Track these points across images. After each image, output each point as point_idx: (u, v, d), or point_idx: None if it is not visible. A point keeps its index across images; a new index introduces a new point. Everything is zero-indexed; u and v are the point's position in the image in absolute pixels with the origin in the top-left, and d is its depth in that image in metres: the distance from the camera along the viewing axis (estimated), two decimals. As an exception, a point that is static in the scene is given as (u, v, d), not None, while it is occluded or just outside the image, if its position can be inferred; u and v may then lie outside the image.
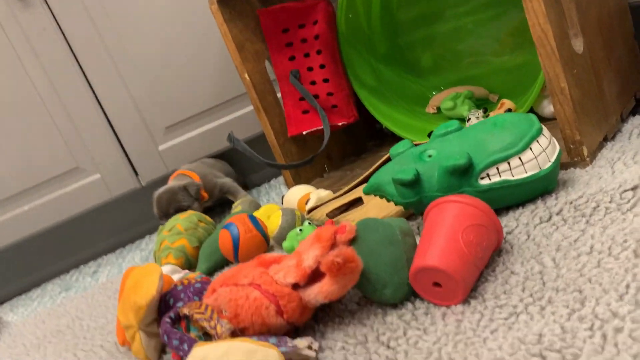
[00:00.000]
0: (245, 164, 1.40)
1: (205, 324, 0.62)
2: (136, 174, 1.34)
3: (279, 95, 1.16)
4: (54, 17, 1.23)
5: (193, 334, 0.66)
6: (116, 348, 0.84)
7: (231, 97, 1.31)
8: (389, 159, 0.82)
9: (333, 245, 0.62)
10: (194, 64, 1.28)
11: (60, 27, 1.24)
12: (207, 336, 0.65)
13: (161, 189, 1.16)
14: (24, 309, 1.28)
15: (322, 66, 1.09)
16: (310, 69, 1.11)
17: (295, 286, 0.62)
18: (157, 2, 1.24)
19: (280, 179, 1.42)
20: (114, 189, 1.33)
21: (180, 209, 1.13)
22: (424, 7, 1.13)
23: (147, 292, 0.71)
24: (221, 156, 1.36)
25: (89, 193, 1.32)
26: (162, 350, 0.75)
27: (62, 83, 1.26)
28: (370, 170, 0.84)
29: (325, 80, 1.10)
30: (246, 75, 1.09)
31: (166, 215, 1.13)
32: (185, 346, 0.62)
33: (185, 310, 0.65)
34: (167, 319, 0.67)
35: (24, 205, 1.32)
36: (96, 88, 1.27)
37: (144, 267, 0.76)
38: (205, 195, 1.19)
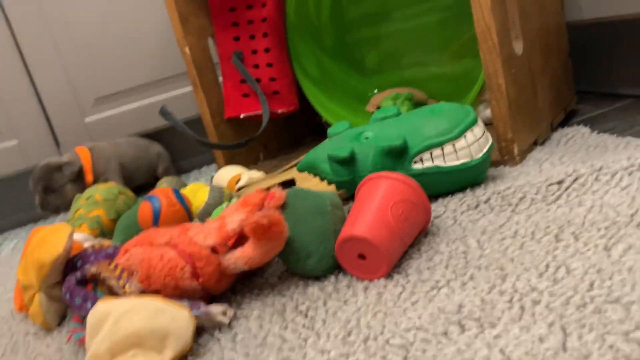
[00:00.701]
0: (177, 148, 1.35)
1: (113, 283, 0.57)
2: (58, 144, 1.26)
3: (220, 78, 1.13)
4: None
5: (97, 295, 0.61)
6: (11, 315, 0.77)
7: (169, 75, 1.26)
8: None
9: (260, 211, 0.59)
10: (134, 35, 1.23)
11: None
12: (112, 298, 0.60)
13: (44, 161, 1.12)
14: None
15: (267, 50, 1.07)
16: (254, 51, 1.09)
17: (216, 252, 0.58)
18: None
19: (213, 166, 1.38)
20: (32, 158, 1.25)
21: (49, 189, 1.12)
22: (373, 5, 1.14)
23: (54, 249, 0.65)
24: (151, 136, 1.30)
25: (4, 158, 1.23)
26: (62, 317, 0.69)
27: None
28: (305, 154, 0.82)
29: (269, 65, 1.08)
30: (187, 50, 1.05)
31: (35, 191, 1.11)
32: (89, 305, 0.57)
33: (93, 269, 0.60)
34: (72, 278, 0.62)
35: None
36: (24, 49, 1.20)
37: (53, 225, 0.70)
38: (90, 178, 1.15)
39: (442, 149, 0.67)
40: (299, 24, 1.09)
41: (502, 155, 0.76)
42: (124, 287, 0.57)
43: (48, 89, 1.22)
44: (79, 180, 1.14)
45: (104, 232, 0.92)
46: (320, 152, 0.72)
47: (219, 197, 0.88)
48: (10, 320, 0.75)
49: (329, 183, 0.73)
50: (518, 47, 0.77)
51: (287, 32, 1.09)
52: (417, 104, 1.11)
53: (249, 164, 1.15)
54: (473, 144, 0.68)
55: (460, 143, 0.67)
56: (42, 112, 1.23)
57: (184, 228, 0.61)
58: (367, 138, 0.71)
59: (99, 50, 1.22)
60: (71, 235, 0.68)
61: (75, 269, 0.69)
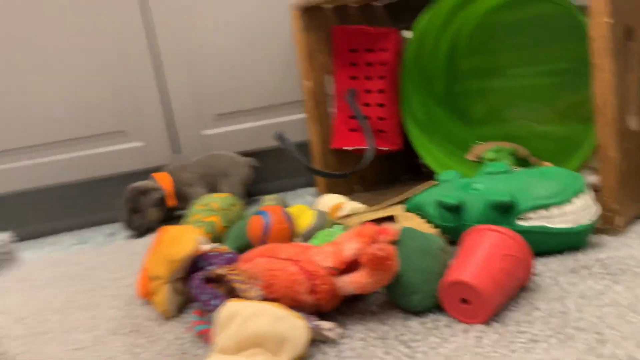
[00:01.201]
0: (277, 168, 1.44)
1: (238, 286, 0.65)
2: (178, 151, 1.39)
3: (330, 109, 1.21)
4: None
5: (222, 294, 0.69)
6: (130, 299, 0.86)
7: (285, 101, 1.36)
8: (432, 187, 0.86)
9: (373, 243, 0.65)
10: (260, 61, 1.34)
11: (143, -1, 1.32)
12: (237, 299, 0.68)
13: (133, 185, 1.24)
14: (38, 251, 1.31)
15: (380, 91, 1.15)
16: (368, 91, 1.16)
17: (331, 273, 0.65)
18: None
19: (307, 189, 1.46)
20: (153, 160, 1.38)
21: (135, 210, 1.24)
22: (487, 61, 1.19)
23: (184, 248, 0.74)
24: (256, 154, 1.41)
25: (129, 158, 1.37)
26: (181, 310, 0.78)
27: (130, 46, 1.32)
28: (411, 191, 0.88)
29: (380, 105, 1.15)
30: (308, 83, 1.14)
31: (124, 210, 1.24)
32: (216, 302, 0.65)
33: (220, 271, 0.68)
34: (199, 276, 0.70)
35: (66, 153, 1.37)
36: (164, 63, 1.34)
37: (183, 227, 0.80)
38: (172, 202, 1.27)
39: (549, 211, 0.71)
40: (414, 70, 1.16)
41: (604, 224, 0.79)
42: (247, 291, 0.64)
43: (177, 100, 1.36)
44: (162, 205, 1.27)
45: (216, 237, 1.02)
46: (429, 197, 0.78)
47: (324, 222, 0.95)
48: (131, 304, 0.85)
49: (435, 227, 0.78)
50: (633, 123, 0.80)
51: (401, 76, 1.16)
52: (519, 159, 1.14)
53: (345, 194, 1.22)
54: (580, 210, 0.71)
55: (568, 208, 0.71)
56: (168, 120, 1.36)
57: (303, 247, 0.68)
58: (476, 189, 0.76)
59: (226, 71, 1.34)
60: (198, 237, 0.77)
61: (197, 267, 0.78)
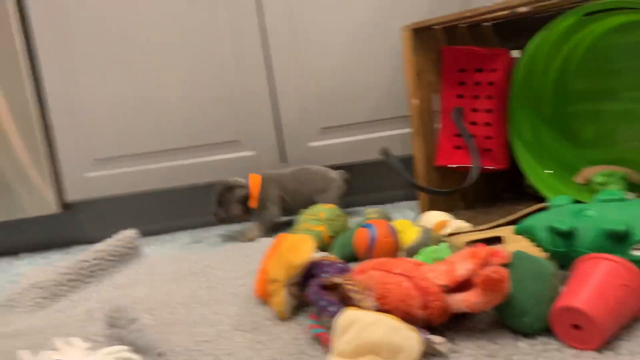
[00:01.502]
0: (377, 181, 1.49)
1: (354, 295, 0.70)
2: (284, 161, 1.47)
3: (436, 126, 1.24)
4: None
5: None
6: (247, 298, 0.94)
7: (388, 116, 1.41)
8: (541, 209, 0.87)
9: (485, 264, 0.68)
10: (367, 77, 1.40)
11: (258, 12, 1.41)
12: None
13: (221, 181, 1.35)
14: (159, 248, 1.44)
15: (488, 110, 1.16)
16: (475, 110, 1.18)
17: (443, 289, 0.69)
18: (354, 13, 1.38)
19: (405, 203, 1.50)
20: (262, 168, 1.47)
21: (220, 202, 1.34)
22: (600, 83, 1.17)
23: (303, 255, 0.81)
24: (353, 167, 1.46)
25: (242, 165, 1.47)
26: (294, 312, 0.85)
27: (247, 65, 1.43)
28: (520, 213, 0.89)
29: (487, 124, 1.17)
30: (415, 102, 1.18)
31: (212, 201, 1.35)
32: (334, 308, 0.71)
33: (337, 280, 0.74)
34: (316, 282, 0.76)
35: (185, 159, 1.49)
36: (276, 78, 1.43)
37: (300, 235, 0.86)
38: (253, 204, 1.34)
39: (667, 243, 0.70)
40: (522, 90, 1.16)
41: None
42: (362, 301, 0.69)
43: (285, 111, 1.44)
44: (245, 203, 1.35)
45: (323, 246, 1.08)
46: (541, 221, 0.79)
47: (428, 239, 0.98)
48: (248, 302, 0.93)
49: (544, 251, 0.79)
50: None
51: (509, 96, 1.16)
52: (631, 185, 1.11)
53: (447, 210, 1.24)
54: (701, 244, 0.69)
55: (688, 241, 0.70)
56: (278, 130, 1.45)
57: (416, 264, 0.72)
58: (589, 216, 0.76)
59: (334, 84, 1.41)
60: (314, 246, 0.83)
61: (311, 275, 0.84)
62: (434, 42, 1.20)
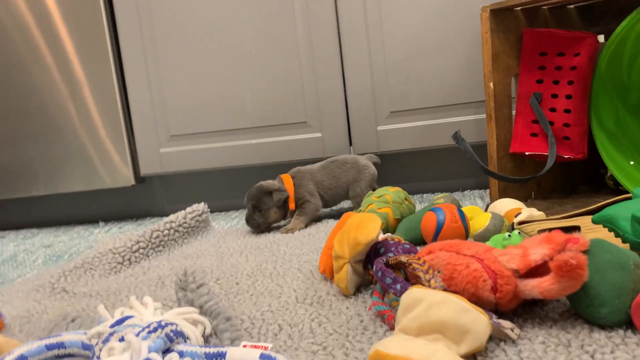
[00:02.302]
0: (446, 167, 1.46)
1: (420, 275, 0.69)
2: (351, 144, 1.47)
3: (512, 112, 1.20)
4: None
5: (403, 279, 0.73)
6: (312, 274, 0.95)
7: (461, 101, 1.37)
8: (626, 199, 0.82)
9: (561, 251, 0.65)
10: (440, 61, 1.37)
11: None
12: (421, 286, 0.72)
13: (257, 184, 1.27)
14: (224, 223, 1.47)
15: (568, 96, 1.11)
16: (554, 95, 1.13)
17: (514, 274, 0.66)
18: (427, -1, 1.35)
19: (476, 192, 1.46)
20: (328, 150, 1.47)
21: (257, 208, 1.25)
22: (696, 70, 1.09)
23: (369, 233, 0.80)
24: (423, 153, 1.43)
25: (308, 147, 1.48)
26: (357, 290, 0.84)
27: (319, 45, 1.43)
28: (600, 204, 0.84)
29: (567, 111, 1.11)
30: (491, 85, 1.14)
31: (247, 206, 1.26)
32: (399, 286, 0.70)
33: (403, 258, 0.73)
34: (382, 260, 0.75)
35: (254, 139, 1.52)
36: (345, 57, 1.42)
37: (367, 214, 0.86)
38: (293, 206, 1.28)
39: None
40: (607, 76, 1.10)
41: None
42: (429, 280, 0.68)
43: (354, 96, 1.43)
44: (283, 207, 1.27)
45: (388, 228, 1.07)
46: (623, 210, 0.75)
47: (499, 225, 0.95)
48: (311, 277, 0.93)
49: (624, 241, 0.74)
50: None
51: (592, 83, 1.10)
52: None
53: (519, 199, 1.20)
54: None
55: None
56: (345, 115, 1.45)
57: (488, 247, 0.70)
58: (678, 208, 0.71)
59: (404, 69, 1.39)
60: (381, 226, 0.82)
61: (377, 253, 0.83)
62: (515, 24, 1.16)
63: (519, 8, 1.15)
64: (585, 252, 0.65)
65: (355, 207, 1.32)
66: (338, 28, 1.41)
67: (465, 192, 1.48)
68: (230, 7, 1.46)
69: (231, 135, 1.52)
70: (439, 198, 1.18)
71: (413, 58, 1.38)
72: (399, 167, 1.52)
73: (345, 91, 1.44)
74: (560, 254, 0.61)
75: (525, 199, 1.21)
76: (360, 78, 1.42)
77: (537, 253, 0.65)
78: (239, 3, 1.45)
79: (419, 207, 1.36)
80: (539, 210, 1.12)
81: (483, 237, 0.96)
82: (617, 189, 1.17)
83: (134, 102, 1.54)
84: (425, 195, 1.52)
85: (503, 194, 1.18)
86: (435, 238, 0.98)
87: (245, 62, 1.48)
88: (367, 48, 1.40)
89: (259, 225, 1.26)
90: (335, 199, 1.34)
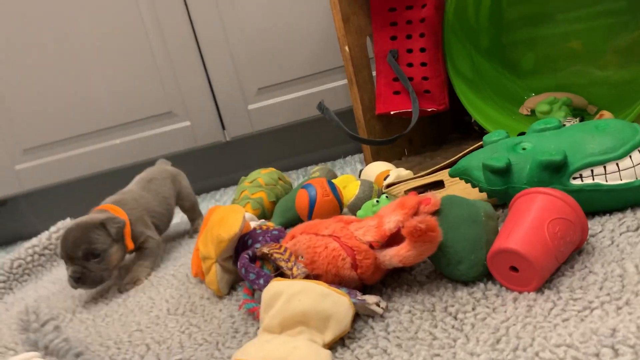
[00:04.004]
0: (326, 136, 1.43)
1: (282, 264, 0.65)
2: (223, 128, 1.40)
3: (374, 73, 1.18)
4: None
5: (267, 272, 0.69)
6: (187, 278, 0.89)
7: (326, 68, 1.34)
8: (478, 147, 0.83)
9: (415, 214, 0.64)
10: (296, 31, 1.32)
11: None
12: (279, 277, 0.69)
13: (72, 224, 0.89)
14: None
15: (422, 49, 1.10)
16: (409, 50, 1.12)
17: (372, 246, 0.64)
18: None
19: (356, 156, 1.45)
20: (200, 138, 1.40)
21: (91, 253, 0.87)
22: (534, 7, 1.12)
23: (231, 228, 0.75)
24: (298, 126, 1.40)
25: (177, 138, 1.40)
26: (232, 287, 0.80)
27: (170, 30, 1.34)
28: (457, 156, 0.85)
29: (423, 64, 1.11)
30: (346, 48, 1.11)
31: (71, 259, 0.86)
32: (262, 281, 0.66)
33: (265, 250, 0.69)
34: (246, 255, 0.71)
35: (117, 138, 1.41)
36: (200, 39, 1.34)
37: (229, 206, 0.81)
38: (130, 244, 0.94)
39: (604, 167, 0.67)
40: (456, 24, 1.10)
41: (669, 176, 0.73)
42: (291, 269, 0.65)
43: (218, 77, 1.36)
44: (122, 243, 0.92)
45: (265, 212, 1.03)
46: (475, 160, 0.75)
47: (369, 192, 0.94)
48: (186, 283, 0.88)
49: (481, 191, 0.75)
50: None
51: (443, 32, 1.10)
52: (575, 109, 1.08)
53: (393, 158, 1.20)
54: (638, 165, 0.66)
55: (625, 163, 0.66)
56: (212, 98, 1.37)
57: (344, 222, 0.67)
58: (524, 149, 0.72)
59: (264, 43, 1.33)
60: (244, 217, 0.77)
61: (245, 245, 0.79)
62: (360, -18, 1.13)
63: (361, -35, 1.12)
64: (438, 211, 0.64)
65: (195, 228, 1.12)
66: (187, 8, 1.32)
67: (347, 158, 1.47)
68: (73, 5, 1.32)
69: (92, 137, 1.40)
70: (315, 172, 1.15)
71: (270, 31, 1.33)
72: (277, 144, 1.48)
73: (207, 74, 1.37)
74: (409, 220, 0.59)
75: (400, 157, 1.21)
76: (220, 59, 1.35)
77: (391, 221, 0.63)
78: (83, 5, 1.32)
79: (300, 182, 1.33)
80: (412, 166, 1.13)
81: (355, 205, 0.94)
82: (483, 133, 1.20)
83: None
84: (309, 167, 1.49)
85: (376, 156, 1.17)
86: (310, 215, 0.95)
87: (93, 57, 1.35)
88: (222, 26, 1.33)
89: (102, 277, 0.88)
90: (166, 224, 1.08)
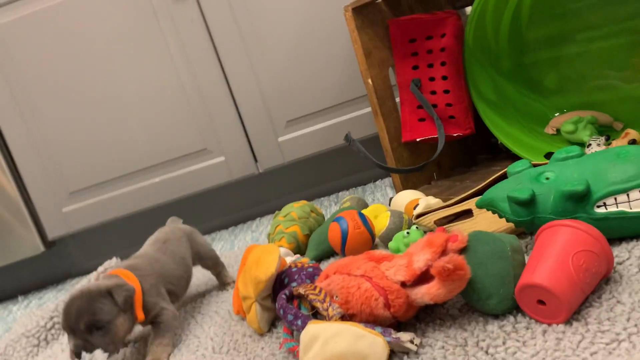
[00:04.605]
0: (355, 162, 1.47)
1: (318, 305, 0.69)
2: (256, 160, 1.45)
3: (397, 101, 1.21)
4: (201, 9, 1.37)
5: (304, 312, 0.73)
6: (229, 315, 0.93)
7: (351, 98, 1.38)
8: (503, 175, 0.85)
9: (443, 251, 0.66)
10: (321, 64, 1.36)
11: (204, 19, 1.37)
12: (315, 317, 0.72)
13: (76, 291, 0.82)
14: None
15: (444, 77, 1.13)
16: (432, 79, 1.15)
17: (404, 284, 0.67)
18: (294, 3, 1.34)
19: (386, 180, 1.47)
20: (235, 172, 1.45)
21: (94, 325, 0.78)
22: (555, 28, 1.13)
23: (268, 269, 0.79)
24: (327, 155, 1.43)
25: (213, 173, 1.45)
26: (272, 324, 0.83)
27: (201, 70, 1.40)
28: (483, 184, 0.87)
29: (446, 92, 1.13)
30: (369, 80, 1.15)
31: (73, 331, 0.78)
32: (299, 322, 0.69)
33: (301, 290, 0.72)
34: (283, 295, 0.75)
35: (156, 177, 1.47)
36: (230, 78, 1.40)
37: (265, 246, 0.85)
38: (141, 315, 0.84)
39: (628, 195, 0.68)
40: (477, 49, 1.13)
41: (696, 197, 0.74)
42: (327, 309, 0.68)
43: (248, 112, 1.41)
44: (131, 312, 0.83)
45: (299, 245, 1.07)
46: (500, 191, 0.77)
47: (400, 222, 0.96)
48: (229, 320, 0.92)
49: (508, 221, 0.77)
50: None
51: (464, 58, 1.13)
52: (601, 127, 1.08)
53: (422, 183, 1.22)
54: (662, 191, 0.67)
55: (648, 190, 0.67)
56: (243, 132, 1.43)
57: (375, 261, 0.70)
58: (547, 179, 0.74)
59: (290, 76, 1.38)
60: (280, 257, 0.81)
61: (282, 284, 0.82)
62: (380, 16, 1.17)
63: (379, 0, 1.16)
64: (465, 247, 0.67)
65: (223, 281, 1.07)
66: (214, 46, 1.38)
67: (377, 182, 1.49)
68: (104, 47, 1.40)
69: (132, 178, 1.47)
70: (346, 201, 1.18)
71: (296, 66, 1.37)
72: (308, 173, 1.52)
73: (238, 110, 1.42)
74: (437, 260, 0.62)
75: (429, 182, 1.23)
76: (249, 94, 1.40)
77: (421, 260, 0.65)
78: (115, 46, 1.40)
79: (332, 210, 1.37)
80: (442, 191, 1.15)
81: (387, 237, 0.97)
82: (511, 153, 1.21)
83: (22, 165, 1.46)
84: (340, 194, 1.52)
85: (405, 182, 1.19)
86: (343, 248, 0.98)
87: (127, 99, 1.43)
88: (249, 64, 1.38)
89: (109, 350, 0.80)
90: (184, 288, 0.98)
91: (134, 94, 1.42)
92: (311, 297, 0.70)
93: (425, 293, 0.64)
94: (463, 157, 1.29)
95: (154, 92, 1.42)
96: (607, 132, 1.05)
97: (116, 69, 1.41)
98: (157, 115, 1.43)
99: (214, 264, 1.06)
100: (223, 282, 1.07)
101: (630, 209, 0.68)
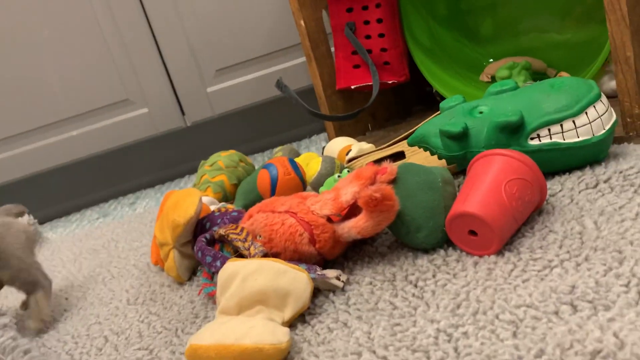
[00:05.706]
0: (289, 117, 1.41)
1: (239, 244, 0.63)
2: (183, 113, 1.36)
3: (332, 48, 1.15)
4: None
5: (224, 254, 0.67)
6: (148, 267, 0.87)
7: (283, 46, 1.31)
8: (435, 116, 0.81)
9: (372, 184, 0.62)
10: (252, 9, 1.28)
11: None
12: (239, 258, 0.67)
13: None
14: (62, 229, 1.33)
15: (379, 20, 1.08)
16: (366, 22, 1.10)
17: (331, 221, 0.62)
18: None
19: (322, 135, 1.42)
20: (160, 125, 1.36)
21: None
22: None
23: (186, 211, 0.73)
24: (260, 107, 1.37)
25: (136, 126, 1.35)
26: (193, 272, 0.78)
27: (122, 16, 1.29)
28: (417, 127, 0.83)
29: (381, 35, 1.09)
30: (302, 22, 1.08)
31: None
32: (218, 263, 0.64)
33: (221, 231, 0.67)
34: (203, 239, 0.69)
35: (73, 130, 1.36)
36: (153, 24, 1.29)
37: (185, 190, 0.78)
38: None
39: (561, 126, 0.66)
40: (413, -8, 1.08)
41: (626, 132, 0.73)
42: (248, 249, 0.63)
43: (174, 61, 1.32)
44: None
45: (226, 195, 1.00)
46: (432, 127, 0.73)
47: (331, 168, 0.92)
48: (147, 271, 0.85)
49: (440, 158, 0.73)
50: (651, 15, 0.72)
51: (399, 1, 1.08)
52: (535, 73, 1.07)
53: (357, 134, 1.18)
54: (595, 121, 0.65)
55: (581, 120, 0.65)
56: (169, 83, 1.33)
57: (302, 198, 0.65)
58: (481, 112, 0.71)
59: (219, 23, 1.29)
60: (201, 200, 0.75)
61: (204, 229, 0.76)
62: (312, -46, 1.10)
63: (312, -63, 1.09)
64: (395, 179, 0.63)
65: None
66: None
67: (312, 137, 1.44)
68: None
69: (48, 131, 1.35)
70: (278, 151, 1.13)
71: (224, 11, 1.29)
72: (240, 127, 1.45)
73: (162, 59, 1.32)
74: (364, 190, 0.58)
75: (364, 133, 1.19)
76: (174, 39, 1.31)
77: (348, 193, 0.61)
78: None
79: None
80: (376, 140, 1.11)
81: (318, 182, 0.92)
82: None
83: None
84: (274, 150, 1.46)
85: (340, 132, 1.14)
86: (272, 195, 0.93)
87: (42, 47, 1.30)
88: (175, 9, 1.28)
89: None
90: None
91: (47, 38, 1.29)
92: (232, 236, 0.64)
93: (353, 227, 0.60)
94: (398, 109, 1.25)
95: (69, 36, 1.30)
96: (541, 78, 1.04)
97: (26, 8, 1.28)
98: (73, 61, 1.31)
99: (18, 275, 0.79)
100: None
101: (564, 139, 0.66)
